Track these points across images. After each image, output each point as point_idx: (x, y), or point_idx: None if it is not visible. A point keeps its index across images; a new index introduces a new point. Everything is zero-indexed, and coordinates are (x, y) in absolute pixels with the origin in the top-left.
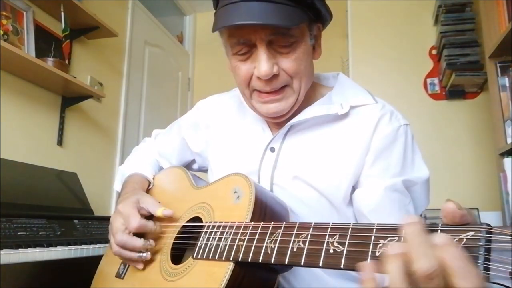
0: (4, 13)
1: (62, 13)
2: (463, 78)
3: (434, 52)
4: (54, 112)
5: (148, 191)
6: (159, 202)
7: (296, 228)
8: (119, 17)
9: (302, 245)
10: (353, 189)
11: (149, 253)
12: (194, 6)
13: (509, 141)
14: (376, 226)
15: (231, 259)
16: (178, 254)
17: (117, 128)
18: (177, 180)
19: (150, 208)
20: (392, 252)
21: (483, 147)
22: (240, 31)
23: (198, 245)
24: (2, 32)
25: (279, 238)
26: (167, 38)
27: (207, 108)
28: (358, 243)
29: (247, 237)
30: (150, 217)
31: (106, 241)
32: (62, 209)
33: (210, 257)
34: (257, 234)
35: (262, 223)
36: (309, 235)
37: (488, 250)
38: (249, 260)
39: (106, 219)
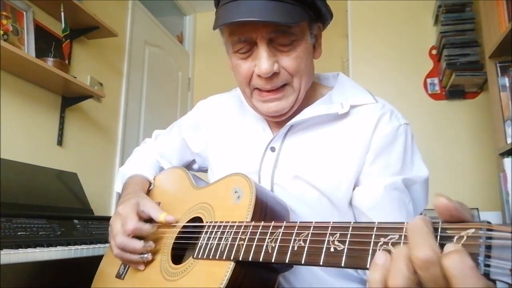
0: (4, 13)
1: (62, 13)
2: (463, 78)
3: (434, 52)
4: (54, 112)
5: (148, 192)
6: (160, 202)
7: (296, 227)
8: (119, 17)
9: (303, 244)
10: (354, 188)
11: (149, 254)
12: (194, 6)
13: (509, 141)
14: (377, 224)
15: (231, 258)
16: (179, 254)
17: (117, 128)
18: (178, 180)
19: (152, 213)
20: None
21: (483, 147)
22: (241, 28)
23: (199, 245)
24: (2, 32)
25: (279, 237)
26: (167, 38)
27: (207, 109)
28: (359, 242)
29: (247, 236)
30: (150, 219)
31: (106, 241)
32: (62, 209)
33: (210, 257)
34: (258, 233)
35: (262, 222)
36: (310, 234)
37: (488, 247)
38: (250, 259)
39: (106, 219)
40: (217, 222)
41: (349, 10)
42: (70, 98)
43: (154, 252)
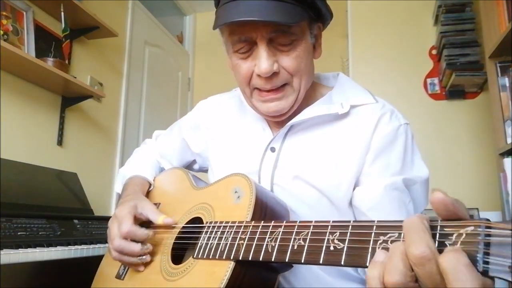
0: (4, 13)
1: (62, 13)
2: (463, 78)
3: (434, 52)
4: (54, 112)
5: (148, 192)
6: (160, 203)
7: (296, 226)
8: (119, 17)
9: (303, 243)
10: (354, 188)
11: (148, 255)
12: (194, 6)
13: (509, 141)
14: (376, 223)
15: (231, 258)
16: (179, 254)
17: (117, 128)
18: (178, 181)
19: (150, 216)
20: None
21: (483, 147)
22: (241, 28)
23: (199, 244)
24: (2, 32)
25: (279, 237)
26: (167, 38)
27: (208, 109)
28: (358, 240)
29: (247, 236)
30: (149, 221)
31: (106, 241)
32: (62, 209)
33: (210, 257)
34: (258, 233)
35: (262, 222)
36: (310, 233)
37: (487, 244)
38: (250, 258)
39: (106, 219)
40: (217, 222)
41: (349, 10)
42: (70, 98)
43: (154, 253)
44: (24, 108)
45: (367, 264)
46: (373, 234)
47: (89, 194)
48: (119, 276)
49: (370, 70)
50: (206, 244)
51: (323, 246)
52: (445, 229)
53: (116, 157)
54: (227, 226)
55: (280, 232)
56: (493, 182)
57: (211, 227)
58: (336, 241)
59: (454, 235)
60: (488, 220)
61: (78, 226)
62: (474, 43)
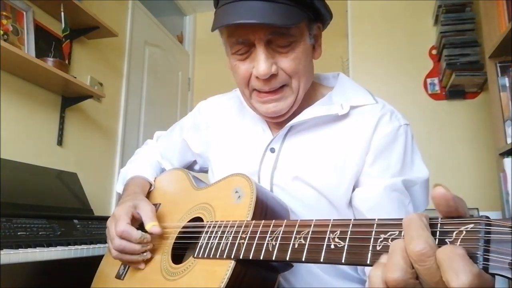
0: (4, 13)
1: (62, 13)
2: (463, 78)
3: (434, 52)
4: (54, 112)
5: (149, 193)
6: (160, 203)
7: (297, 225)
8: (119, 17)
9: (303, 242)
10: (353, 189)
11: (148, 252)
12: (194, 6)
13: (509, 141)
14: (377, 221)
15: (232, 257)
16: (179, 254)
17: (117, 128)
18: (178, 181)
19: (143, 218)
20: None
21: (483, 147)
22: (239, 30)
23: (199, 244)
24: (2, 32)
25: (280, 236)
26: (167, 38)
27: (208, 109)
28: (359, 238)
29: (248, 235)
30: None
31: (106, 241)
32: (62, 209)
33: (211, 256)
34: (258, 232)
35: (263, 221)
36: (310, 232)
37: (487, 242)
38: (251, 257)
39: (106, 219)
40: (217, 221)
41: (349, 10)
42: (70, 98)
43: (155, 252)
44: (24, 108)
45: (368, 262)
46: (373, 232)
47: (89, 194)
48: (119, 276)
49: (370, 70)
50: (207, 243)
51: (323, 244)
52: (445, 227)
53: (116, 157)
54: (227, 225)
55: (281, 231)
56: (493, 182)
57: (211, 226)
58: (336, 240)
59: (454, 233)
60: (488, 217)
61: (78, 226)
62: (474, 43)
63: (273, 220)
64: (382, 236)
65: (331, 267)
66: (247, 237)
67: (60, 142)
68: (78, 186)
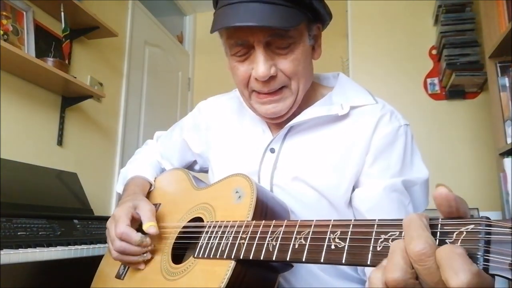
0: (4, 13)
1: (62, 13)
2: (463, 78)
3: (434, 52)
4: (54, 112)
5: (149, 193)
6: (160, 204)
7: (297, 226)
8: (119, 17)
9: (304, 242)
10: (353, 189)
11: (148, 253)
12: (194, 6)
13: (509, 141)
14: (377, 222)
15: (232, 257)
16: (179, 254)
17: (117, 128)
18: (178, 181)
19: (142, 218)
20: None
21: (483, 147)
22: (238, 32)
23: (199, 244)
24: (2, 32)
25: (280, 236)
26: (167, 38)
27: (208, 110)
28: (359, 239)
29: (248, 235)
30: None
31: (106, 241)
32: (62, 209)
33: (211, 256)
34: (259, 232)
35: (263, 221)
36: (311, 232)
37: (488, 242)
38: (251, 258)
39: (106, 219)
40: (218, 221)
41: (349, 10)
42: (70, 98)
43: (155, 252)
44: (24, 108)
45: (368, 263)
46: (374, 233)
47: (89, 194)
48: (119, 276)
49: (370, 70)
50: (207, 243)
51: (324, 245)
52: (446, 227)
53: (116, 157)
54: (228, 225)
55: (281, 232)
56: (493, 182)
57: (211, 226)
58: (337, 240)
59: (455, 233)
60: (488, 218)
61: (78, 226)
62: (474, 43)
63: (274, 221)
64: (383, 236)
65: (331, 267)
66: (248, 237)
67: (60, 142)
68: (78, 186)
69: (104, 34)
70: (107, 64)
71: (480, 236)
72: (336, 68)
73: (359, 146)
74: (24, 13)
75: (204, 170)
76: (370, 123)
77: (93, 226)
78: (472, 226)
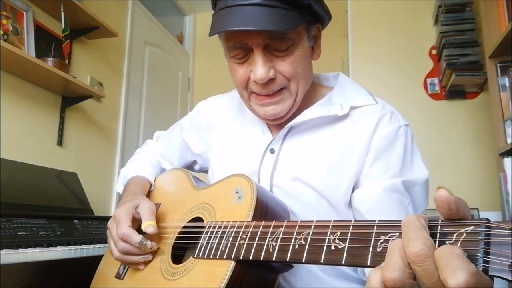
0: (4, 13)
1: (62, 13)
2: (463, 78)
3: (434, 52)
4: (54, 112)
5: (149, 193)
6: (160, 203)
7: (297, 226)
8: (119, 17)
9: (304, 243)
10: (353, 190)
11: (150, 254)
12: (194, 6)
13: (509, 141)
14: (377, 223)
15: (232, 257)
16: (179, 254)
17: (117, 128)
18: (178, 181)
19: (142, 217)
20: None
21: (483, 147)
22: (236, 35)
23: (199, 244)
24: (2, 32)
25: (280, 236)
26: (167, 38)
27: (207, 110)
28: (359, 240)
29: (248, 236)
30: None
31: (106, 241)
32: (62, 209)
33: (211, 256)
34: (259, 232)
35: (263, 222)
36: (311, 233)
37: (487, 244)
38: (251, 258)
39: (106, 219)
40: (217, 222)
41: (349, 10)
42: (70, 98)
43: (154, 252)
44: (24, 108)
45: (368, 264)
46: (374, 233)
47: (89, 194)
48: (118, 276)
49: (370, 70)
50: (207, 243)
51: (324, 245)
52: (445, 229)
53: (116, 157)
54: (228, 226)
55: (281, 232)
56: (493, 182)
57: (211, 227)
58: (337, 241)
59: (455, 235)
60: (488, 219)
61: (78, 226)
62: (474, 43)
63: (274, 221)
64: (383, 237)
65: (331, 267)
66: (247, 238)
67: (60, 142)
68: (78, 186)
69: (104, 34)
70: (107, 64)
71: (480, 237)
72: (336, 68)
73: (359, 147)
74: (24, 13)
75: (204, 170)
76: (370, 124)
77: (93, 226)
78: (472, 227)
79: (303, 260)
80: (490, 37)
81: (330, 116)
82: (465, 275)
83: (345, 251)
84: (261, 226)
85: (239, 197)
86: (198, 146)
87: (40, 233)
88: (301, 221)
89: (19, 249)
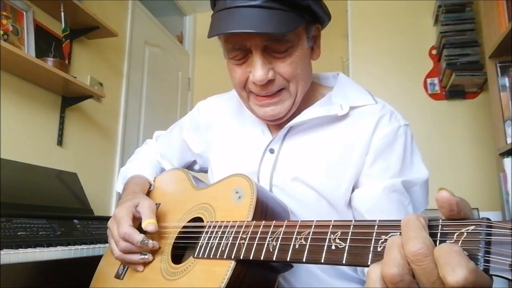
0: (4, 13)
1: (62, 13)
2: (463, 78)
3: (434, 52)
4: (54, 112)
5: (149, 193)
6: (160, 203)
7: (298, 226)
8: (119, 17)
9: (304, 242)
10: (353, 189)
11: (150, 254)
12: (194, 6)
13: (509, 141)
14: (378, 222)
15: (232, 257)
16: (179, 254)
17: (117, 128)
18: (178, 181)
19: (142, 216)
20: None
21: (483, 147)
22: (235, 37)
23: (199, 244)
24: (2, 32)
25: (281, 236)
26: (167, 38)
27: (207, 109)
28: (360, 239)
29: (248, 235)
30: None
31: (106, 241)
32: (62, 209)
33: (211, 256)
34: (259, 232)
35: (263, 222)
36: (311, 233)
37: (488, 243)
38: (251, 258)
39: (106, 219)
40: (217, 222)
41: (349, 10)
42: (70, 98)
43: (154, 252)
44: (24, 108)
45: (369, 263)
46: (374, 233)
47: (89, 194)
48: (118, 276)
49: (370, 70)
50: (207, 243)
51: (324, 245)
52: (446, 228)
53: (116, 157)
54: (228, 226)
55: (282, 232)
56: (493, 182)
57: (211, 226)
58: (337, 241)
59: (455, 234)
60: (488, 219)
61: (78, 226)
62: (474, 43)
63: (274, 221)
64: (383, 237)
65: (331, 267)
66: (248, 238)
67: (60, 142)
68: (78, 186)
69: (104, 34)
70: (107, 64)
71: (481, 237)
72: (336, 68)
73: (358, 147)
74: (24, 13)
75: (204, 170)
76: (369, 124)
77: (93, 226)
78: (472, 227)
79: (304, 260)
80: (490, 37)
81: (330, 116)
82: (464, 272)
83: (346, 251)
84: (261, 226)
85: (239, 197)
86: (198, 146)
87: (40, 233)
88: (301, 221)
89: (19, 249)
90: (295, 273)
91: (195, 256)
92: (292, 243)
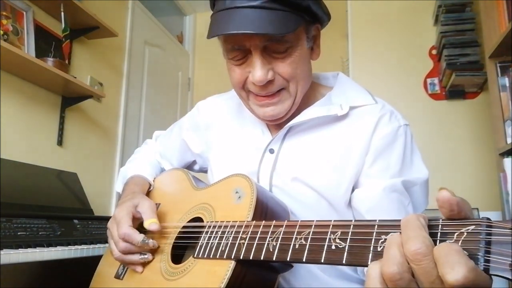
0: (4, 13)
1: (62, 13)
2: (463, 78)
3: (434, 52)
4: (54, 112)
5: (148, 193)
6: (160, 203)
7: (298, 226)
8: (119, 17)
9: (304, 242)
10: (353, 189)
11: (149, 254)
12: (194, 6)
13: (509, 141)
14: (378, 222)
15: (232, 257)
16: (179, 254)
17: (117, 128)
18: (178, 181)
19: (143, 215)
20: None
21: (483, 147)
22: (235, 38)
23: (199, 244)
24: (2, 32)
25: (281, 236)
26: (167, 38)
27: (207, 109)
28: (360, 239)
29: (248, 235)
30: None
31: (106, 241)
32: (62, 209)
33: (211, 256)
34: (259, 232)
35: (263, 222)
36: (311, 233)
37: (488, 243)
38: (251, 257)
39: (106, 219)
40: (217, 222)
41: (349, 10)
42: (70, 98)
43: (154, 252)
44: (24, 108)
45: (369, 263)
46: (374, 233)
47: (89, 194)
48: (118, 276)
49: (370, 70)
50: (207, 243)
51: (324, 245)
52: (446, 228)
53: (116, 157)
54: (227, 226)
55: (282, 232)
56: (493, 182)
57: (211, 226)
58: (337, 240)
59: (455, 234)
60: (489, 219)
61: (78, 226)
62: (474, 43)
63: (274, 221)
64: (383, 237)
65: (331, 267)
66: (248, 237)
67: (60, 142)
68: (78, 186)
69: (104, 34)
70: (107, 64)
71: (481, 237)
72: (336, 68)
73: (358, 147)
74: (24, 13)
75: (204, 170)
76: (369, 123)
77: (93, 226)
78: (472, 227)
79: (304, 260)
80: (490, 37)
81: (330, 116)
82: (464, 270)
83: (346, 251)
84: (261, 226)
85: (239, 197)
86: (198, 146)
87: (40, 233)
88: (301, 220)
89: (19, 249)
90: (295, 273)
91: (195, 256)
92: (292, 243)
